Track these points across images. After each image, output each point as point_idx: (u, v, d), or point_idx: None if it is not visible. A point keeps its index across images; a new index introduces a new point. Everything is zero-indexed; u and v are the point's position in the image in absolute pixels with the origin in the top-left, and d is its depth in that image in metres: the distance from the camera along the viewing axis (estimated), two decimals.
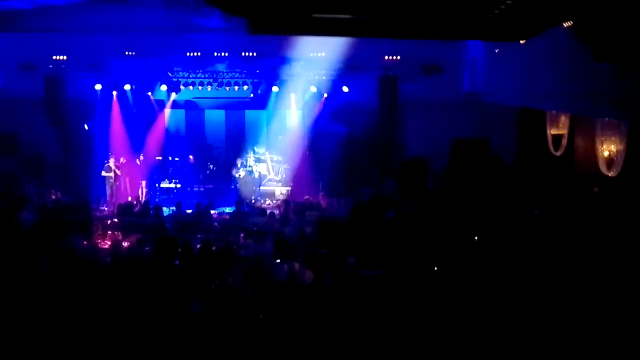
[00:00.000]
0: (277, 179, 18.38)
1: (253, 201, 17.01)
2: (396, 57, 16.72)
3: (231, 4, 4.57)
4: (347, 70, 17.00)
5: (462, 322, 7.19)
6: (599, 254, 8.72)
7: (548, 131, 13.55)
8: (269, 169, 18.45)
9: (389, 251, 10.10)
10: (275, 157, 18.50)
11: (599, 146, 11.52)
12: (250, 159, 18.16)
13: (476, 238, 10.93)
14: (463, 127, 16.24)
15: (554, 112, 13.29)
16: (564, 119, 13.17)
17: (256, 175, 17.80)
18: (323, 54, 16.80)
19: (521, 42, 12.49)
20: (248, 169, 17.79)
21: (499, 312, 7.42)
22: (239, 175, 17.71)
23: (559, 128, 13.31)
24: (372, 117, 17.20)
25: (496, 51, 15.02)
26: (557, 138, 13.31)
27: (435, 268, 9.16)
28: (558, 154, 13.24)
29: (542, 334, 6.73)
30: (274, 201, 17.46)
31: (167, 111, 18.92)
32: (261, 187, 17.93)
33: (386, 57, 16.77)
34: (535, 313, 7.27)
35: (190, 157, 18.17)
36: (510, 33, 5.34)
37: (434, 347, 6.83)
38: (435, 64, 16.62)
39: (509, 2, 4.37)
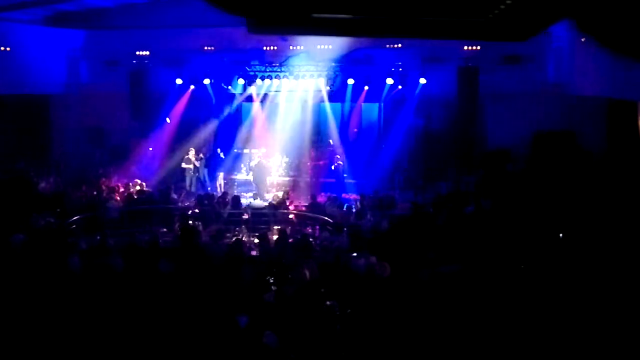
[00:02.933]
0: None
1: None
2: (476, 47, 16.25)
3: (230, 3, 4.56)
4: (425, 62, 16.68)
5: (540, 324, 6.87)
6: None
7: None
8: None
9: (468, 247, 9.80)
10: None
11: None
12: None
13: (561, 235, 10.44)
14: (546, 119, 15.57)
15: None
16: None
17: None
18: (399, 45, 16.56)
19: None
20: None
21: (586, 316, 7.04)
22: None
23: None
24: (450, 109, 16.81)
25: (582, 40, 14.29)
26: None
27: (520, 266, 8.80)
28: None
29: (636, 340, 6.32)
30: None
31: (244, 104, 19.26)
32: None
33: (466, 48, 16.32)
34: (627, 319, 6.84)
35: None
36: (511, 33, 5.20)
37: (509, 347, 6.57)
38: (518, 54, 16.02)
39: (508, 2, 4.24)
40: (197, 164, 17.58)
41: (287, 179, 18.03)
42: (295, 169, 18.34)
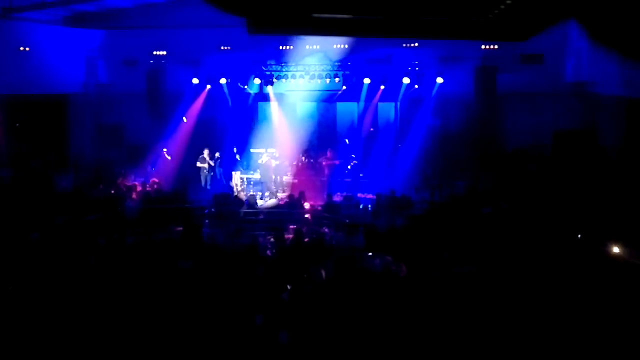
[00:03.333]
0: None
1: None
2: (494, 46, 16.13)
3: (230, 3, 4.58)
4: (442, 61, 16.59)
5: (558, 326, 6.78)
6: None
7: None
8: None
9: (484, 248, 9.71)
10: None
11: None
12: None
13: (579, 236, 10.30)
14: (565, 119, 15.44)
15: None
16: None
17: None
18: (416, 44, 16.49)
19: None
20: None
21: (606, 317, 6.93)
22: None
23: None
24: (468, 108, 16.70)
25: None
26: None
27: (537, 267, 8.70)
28: None
29: None
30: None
31: (260, 104, 19.30)
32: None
33: (484, 47, 16.21)
34: None
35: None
36: (511, 33, 5.21)
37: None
38: (536, 53, 15.90)
39: (508, 2, 4.22)
40: (212, 163, 17.64)
41: (302, 178, 18.03)
42: (310, 168, 18.32)
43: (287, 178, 17.83)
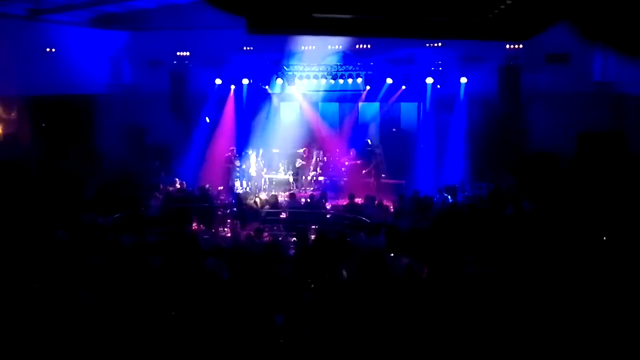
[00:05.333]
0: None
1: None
2: (519, 45, 15.92)
3: (230, 3, 4.59)
4: (464, 61, 16.44)
5: (580, 329, 6.66)
6: None
7: None
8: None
9: (506, 250, 9.59)
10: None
11: None
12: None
13: (605, 238, 10.11)
14: (592, 120, 15.12)
15: None
16: None
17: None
18: (439, 44, 16.37)
19: None
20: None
21: (629, 322, 6.79)
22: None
23: None
24: (491, 109, 16.50)
25: None
26: None
27: (560, 270, 8.56)
28: None
29: None
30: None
31: (283, 104, 19.32)
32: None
33: (508, 46, 16.02)
34: None
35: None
36: (511, 33, 5.17)
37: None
38: (562, 53, 15.64)
39: (508, 2, 4.18)
40: (236, 162, 17.71)
41: (324, 178, 18.06)
42: (333, 169, 18.31)
43: (311, 178, 17.88)
